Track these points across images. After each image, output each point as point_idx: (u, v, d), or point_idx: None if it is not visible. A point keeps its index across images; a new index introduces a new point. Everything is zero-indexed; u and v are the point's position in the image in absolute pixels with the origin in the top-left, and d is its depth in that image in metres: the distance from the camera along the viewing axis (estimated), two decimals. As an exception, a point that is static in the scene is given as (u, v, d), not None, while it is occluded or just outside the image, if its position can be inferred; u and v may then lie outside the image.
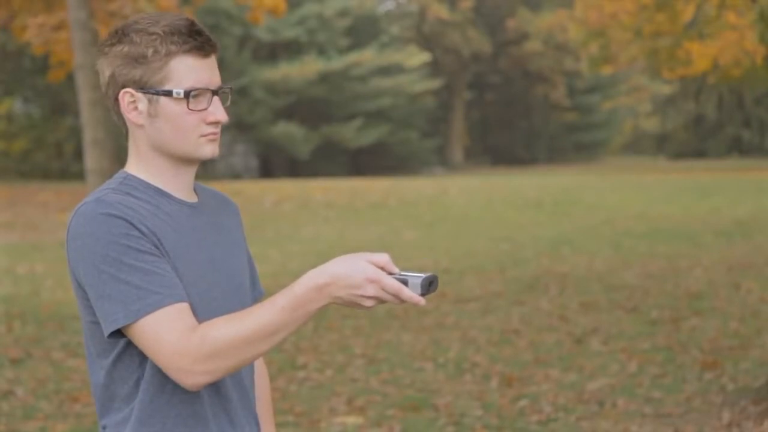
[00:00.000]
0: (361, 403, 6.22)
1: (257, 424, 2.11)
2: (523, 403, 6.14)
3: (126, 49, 1.93)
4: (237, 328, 1.80)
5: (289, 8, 22.14)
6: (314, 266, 1.83)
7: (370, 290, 1.77)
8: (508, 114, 48.68)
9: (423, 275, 1.78)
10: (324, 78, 36.42)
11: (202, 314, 1.90)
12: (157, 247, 1.89)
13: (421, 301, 1.78)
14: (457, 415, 5.90)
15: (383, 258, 1.79)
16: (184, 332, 1.82)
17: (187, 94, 1.92)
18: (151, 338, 1.82)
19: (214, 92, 1.96)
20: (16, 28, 16.21)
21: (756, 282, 10.53)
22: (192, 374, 1.82)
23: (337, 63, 36.86)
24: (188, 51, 1.92)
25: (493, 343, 7.94)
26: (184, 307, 1.85)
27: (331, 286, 1.78)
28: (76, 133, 27.26)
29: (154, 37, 1.91)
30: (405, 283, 1.78)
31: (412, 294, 1.77)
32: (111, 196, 1.91)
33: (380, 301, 1.78)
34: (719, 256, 12.91)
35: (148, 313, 1.82)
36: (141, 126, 1.96)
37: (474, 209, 20.88)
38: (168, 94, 1.92)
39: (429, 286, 1.79)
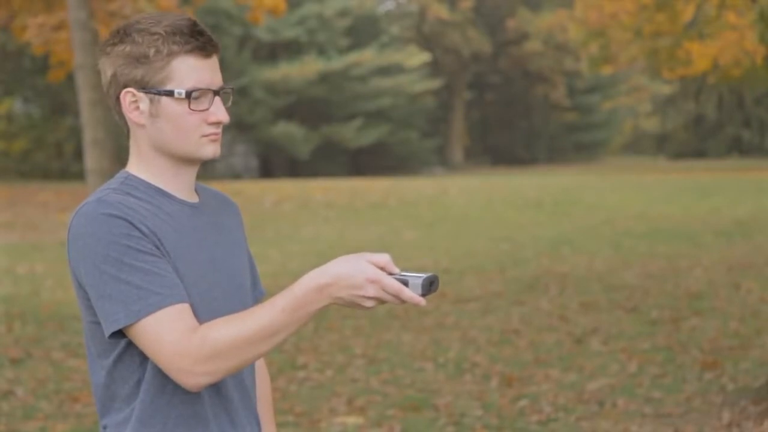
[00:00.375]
0: (362, 403, 6.22)
1: (258, 424, 2.11)
2: (523, 403, 6.14)
3: (128, 48, 1.93)
4: (238, 329, 1.80)
5: (289, 8, 22.14)
6: (314, 266, 1.83)
7: (371, 291, 1.77)
8: (508, 114, 48.69)
9: (423, 275, 1.78)
10: (324, 78, 36.43)
11: (202, 314, 1.90)
12: (158, 248, 1.89)
13: (422, 301, 1.78)
14: (457, 415, 5.90)
15: (384, 258, 1.79)
16: (184, 333, 1.82)
17: (189, 95, 1.92)
18: (152, 339, 1.82)
19: (216, 92, 1.96)
20: (16, 28, 16.20)
21: (756, 282, 10.53)
22: (193, 375, 1.82)
23: (337, 63, 36.87)
24: (190, 51, 1.93)
25: (493, 343, 7.94)
26: (184, 307, 1.85)
27: (331, 287, 1.78)
28: (76, 133, 27.25)
29: (156, 37, 1.92)
30: (405, 283, 1.78)
31: (412, 294, 1.77)
32: (112, 196, 1.91)
33: (381, 301, 1.78)
34: (719, 256, 12.91)
35: (149, 313, 1.82)
36: (142, 126, 1.96)
37: (474, 209, 20.88)
38: (170, 94, 1.92)
39: (429, 286, 1.79)
